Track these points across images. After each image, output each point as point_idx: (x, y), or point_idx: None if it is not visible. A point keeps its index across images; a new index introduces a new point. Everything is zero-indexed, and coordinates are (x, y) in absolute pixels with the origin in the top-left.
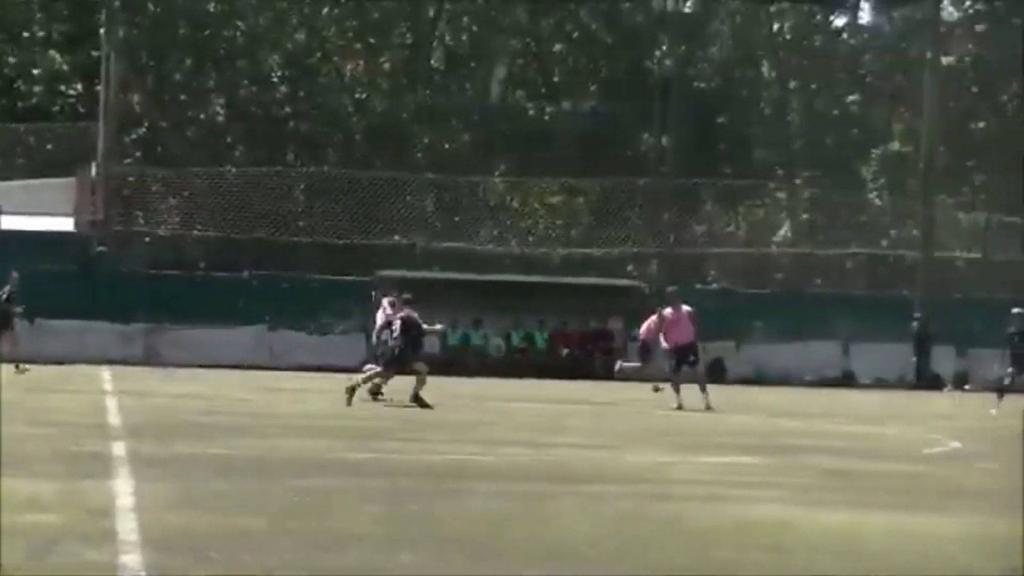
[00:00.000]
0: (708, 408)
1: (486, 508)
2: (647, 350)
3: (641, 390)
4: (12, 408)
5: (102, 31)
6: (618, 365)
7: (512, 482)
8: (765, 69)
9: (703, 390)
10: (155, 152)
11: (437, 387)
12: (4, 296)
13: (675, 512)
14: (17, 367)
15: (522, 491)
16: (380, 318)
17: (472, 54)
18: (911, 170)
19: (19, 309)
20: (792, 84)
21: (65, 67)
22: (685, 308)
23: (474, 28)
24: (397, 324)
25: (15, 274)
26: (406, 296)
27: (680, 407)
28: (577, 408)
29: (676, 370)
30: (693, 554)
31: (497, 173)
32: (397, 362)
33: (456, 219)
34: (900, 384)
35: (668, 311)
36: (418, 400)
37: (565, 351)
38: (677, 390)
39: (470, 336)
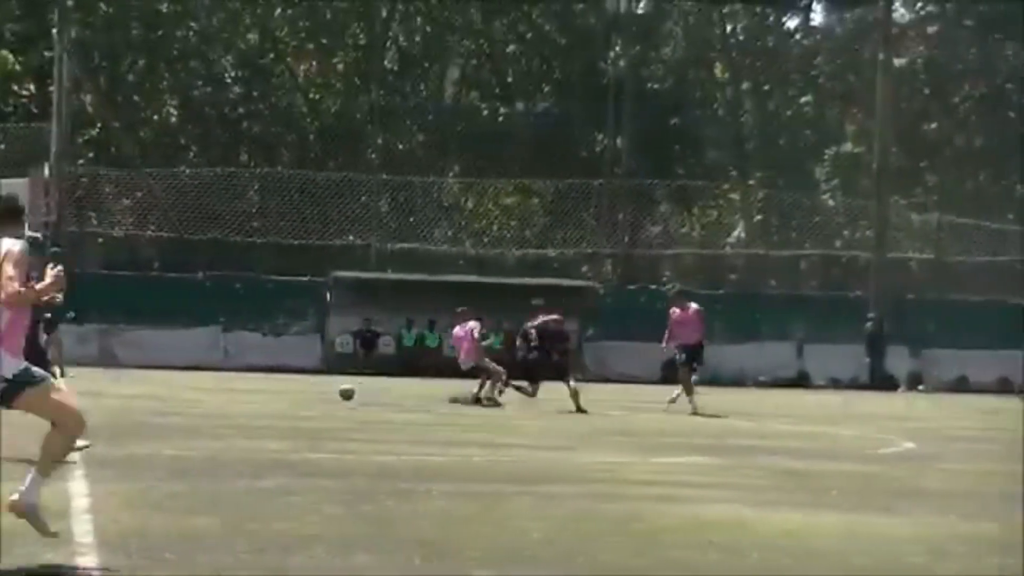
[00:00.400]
0: (695, 413)
1: (441, 509)
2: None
3: (595, 391)
4: None
5: (55, 31)
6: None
7: (467, 483)
8: (718, 70)
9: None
10: (108, 153)
11: (393, 389)
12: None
13: (629, 512)
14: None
15: (477, 492)
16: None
17: (425, 55)
18: (864, 171)
19: (71, 315)
20: (745, 85)
21: (18, 67)
22: (693, 307)
23: (427, 29)
24: (533, 333)
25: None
26: (537, 302)
27: (696, 412)
28: (531, 409)
29: (684, 371)
30: (647, 554)
31: (451, 174)
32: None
33: (410, 220)
34: (854, 385)
35: (675, 311)
36: (481, 400)
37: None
38: (689, 392)
39: (425, 337)
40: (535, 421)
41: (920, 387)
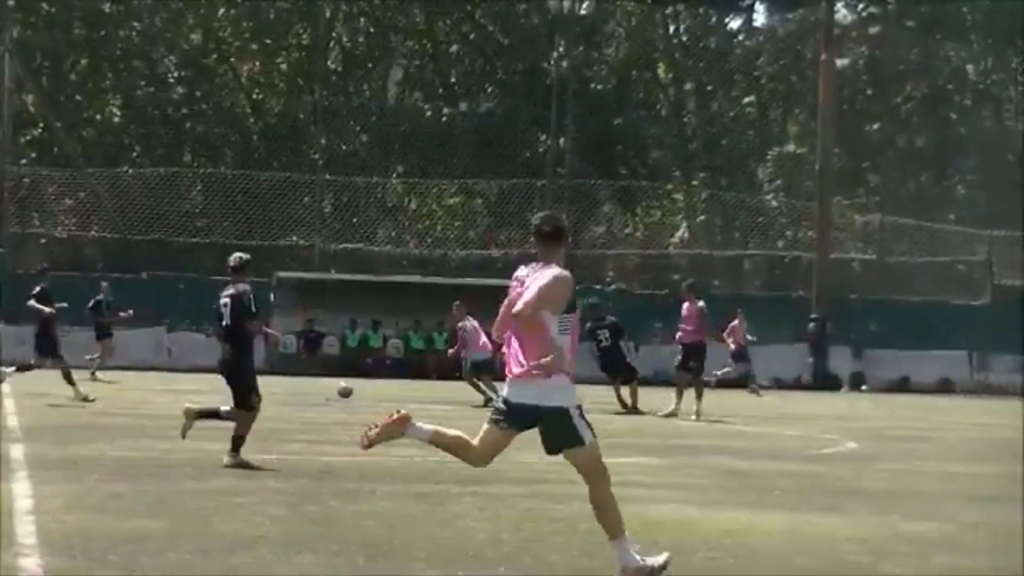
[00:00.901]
0: (697, 416)
1: (386, 509)
2: (740, 356)
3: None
4: None
5: None
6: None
7: (412, 483)
8: (661, 71)
9: (699, 397)
10: (51, 153)
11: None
12: (99, 304)
13: (576, 512)
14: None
15: (422, 492)
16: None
17: (369, 55)
18: (807, 171)
19: (126, 313)
20: (688, 86)
21: None
22: (700, 303)
23: (371, 29)
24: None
25: (105, 283)
26: (592, 302)
27: (674, 414)
28: (476, 410)
29: (679, 373)
30: (595, 554)
31: (395, 174)
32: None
33: (354, 220)
34: (797, 385)
35: (685, 305)
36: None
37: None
38: (680, 394)
39: (369, 337)
40: (480, 421)
41: (863, 387)
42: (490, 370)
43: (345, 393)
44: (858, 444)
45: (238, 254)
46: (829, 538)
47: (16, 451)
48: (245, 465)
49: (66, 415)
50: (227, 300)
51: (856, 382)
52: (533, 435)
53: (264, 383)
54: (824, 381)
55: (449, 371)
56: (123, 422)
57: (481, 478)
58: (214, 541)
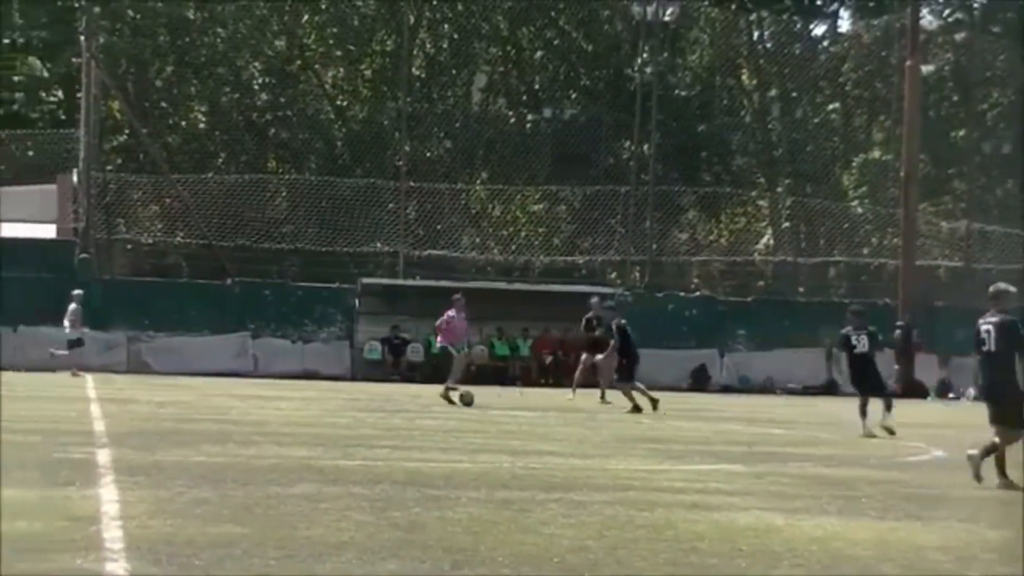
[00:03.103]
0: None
1: (470, 515)
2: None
3: (622, 398)
4: None
5: (82, 38)
6: None
7: (496, 489)
8: (745, 77)
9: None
10: (137, 159)
11: (422, 395)
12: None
13: (660, 520)
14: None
15: (506, 498)
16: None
17: (452, 61)
18: (892, 178)
19: None
20: (772, 92)
21: (46, 74)
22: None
23: (454, 35)
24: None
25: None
26: (856, 308)
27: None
28: (561, 416)
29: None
30: (678, 562)
31: (479, 181)
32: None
33: (438, 226)
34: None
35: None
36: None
37: (548, 358)
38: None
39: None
40: (565, 428)
41: (950, 395)
42: None
43: (467, 400)
44: (944, 452)
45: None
46: (915, 546)
47: (102, 456)
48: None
49: (150, 421)
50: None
51: (943, 390)
52: (621, 442)
53: (348, 389)
54: (910, 389)
55: (531, 377)
56: (208, 428)
57: (566, 485)
58: (298, 547)
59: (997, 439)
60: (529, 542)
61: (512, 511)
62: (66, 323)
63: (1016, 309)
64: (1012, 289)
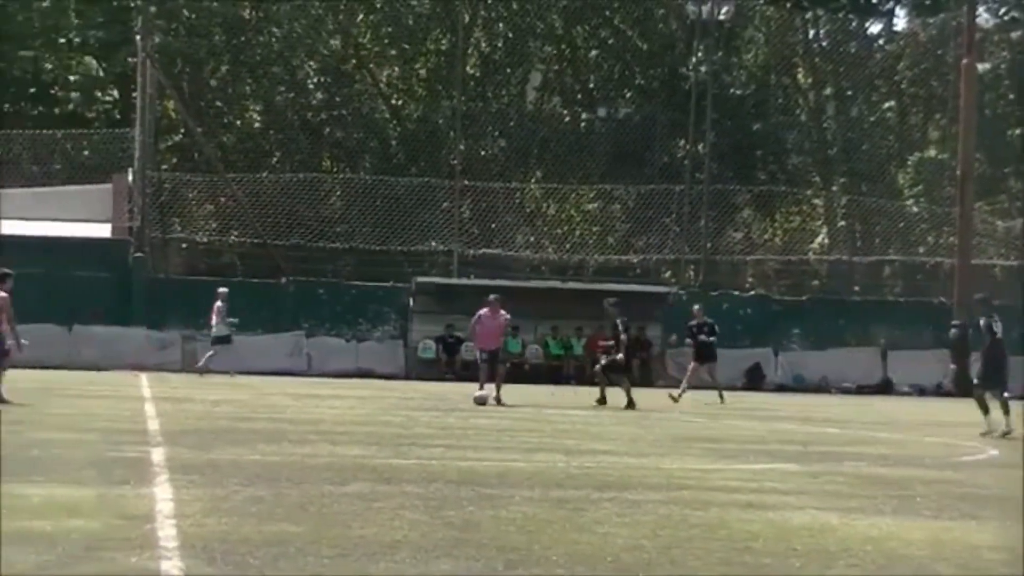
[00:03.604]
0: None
1: (525, 514)
2: None
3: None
4: (45, 415)
5: (138, 38)
6: None
7: (550, 488)
8: (800, 76)
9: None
10: (191, 158)
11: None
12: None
13: (714, 519)
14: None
15: (561, 497)
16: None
17: (507, 60)
18: (948, 177)
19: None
20: (828, 91)
21: (101, 73)
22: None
23: (509, 34)
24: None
25: (697, 307)
26: (981, 296)
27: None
28: (615, 415)
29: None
30: (732, 561)
31: (533, 180)
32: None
33: (492, 225)
34: (938, 392)
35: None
36: None
37: (603, 358)
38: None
39: (507, 343)
40: (619, 427)
41: (1005, 394)
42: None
43: (480, 401)
44: (1000, 452)
45: None
46: (971, 546)
47: (157, 455)
48: None
49: (204, 419)
50: None
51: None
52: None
53: (402, 388)
54: (965, 388)
55: (585, 376)
56: (262, 427)
57: (621, 484)
58: (353, 546)
59: None
60: (583, 541)
61: (566, 510)
62: (214, 320)
63: None
64: None
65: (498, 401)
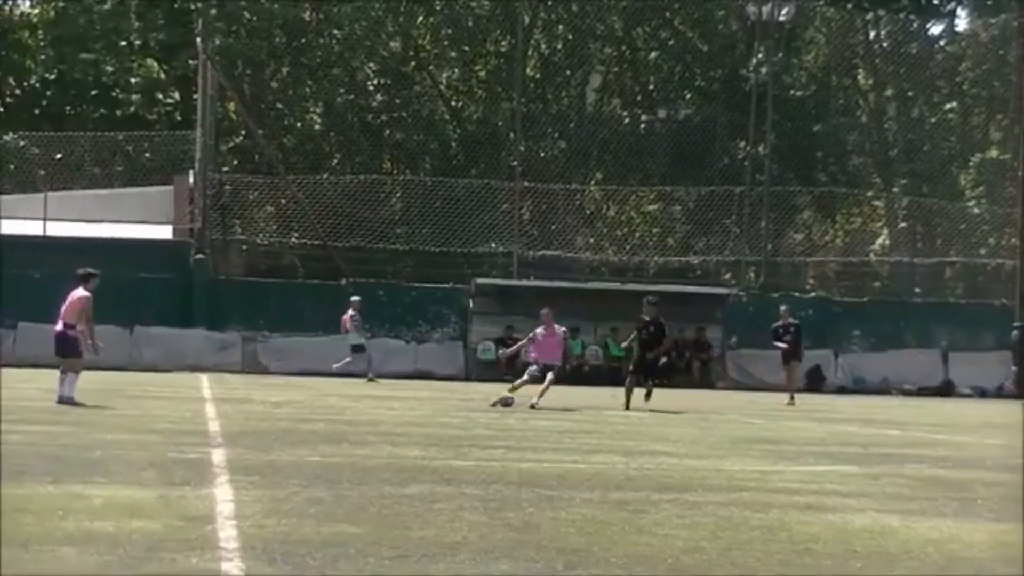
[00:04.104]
0: None
1: (584, 516)
2: None
3: (739, 398)
4: (107, 416)
5: (198, 40)
6: None
7: (610, 490)
8: (861, 77)
9: None
10: (252, 160)
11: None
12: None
13: (774, 521)
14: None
15: (620, 499)
16: None
17: (567, 62)
18: (1009, 178)
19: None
20: (888, 92)
21: (162, 75)
22: None
23: (569, 36)
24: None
25: (784, 307)
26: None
27: None
28: (675, 416)
29: None
30: (792, 563)
31: (593, 181)
32: None
33: (552, 227)
34: (1000, 394)
35: None
36: None
37: (662, 360)
38: None
39: (568, 344)
40: (679, 429)
41: None
42: None
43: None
44: None
45: None
46: None
47: (217, 456)
48: None
49: (264, 420)
50: None
51: None
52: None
53: (462, 389)
54: None
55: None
56: (322, 428)
57: (680, 485)
58: (412, 547)
59: None
60: (643, 543)
61: (626, 512)
62: (349, 328)
63: None
64: None
65: (532, 406)
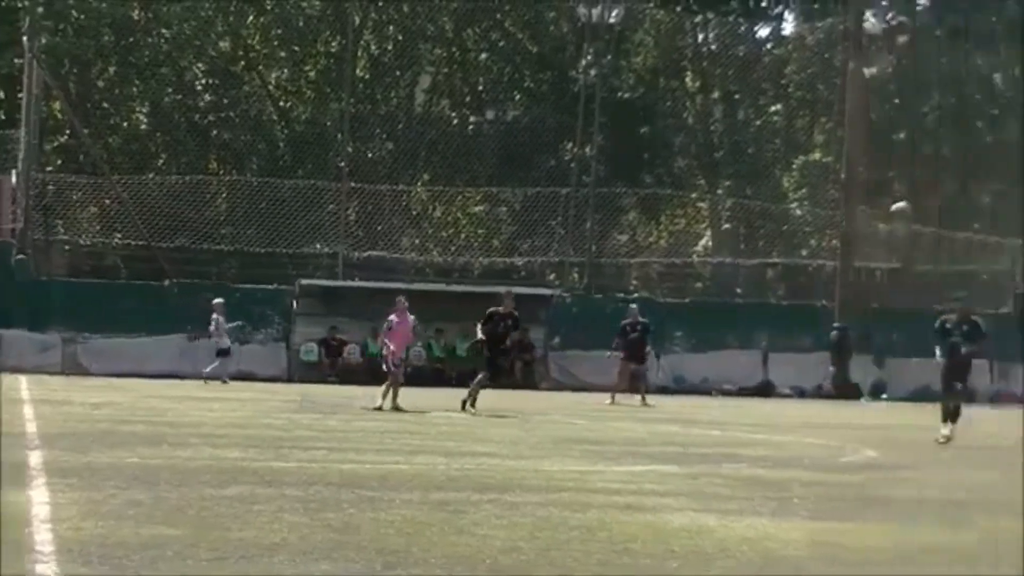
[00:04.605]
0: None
1: (404, 517)
2: None
3: (561, 399)
4: None
5: (24, 38)
6: None
7: (430, 491)
8: (689, 79)
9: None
10: (77, 160)
11: (359, 397)
12: None
13: (594, 521)
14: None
15: (441, 500)
16: None
17: (397, 63)
18: (832, 180)
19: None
20: (715, 94)
21: None
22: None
23: (399, 37)
24: None
25: (633, 306)
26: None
27: None
28: (497, 418)
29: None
30: (611, 563)
31: (420, 182)
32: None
33: (378, 228)
34: (818, 394)
35: None
36: None
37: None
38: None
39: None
40: (501, 429)
41: (883, 396)
42: None
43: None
44: (878, 452)
45: None
46: (848, 547)
47: (34, 458)
48: None
49: (84, 422)
50: None
51: (877, 391)
52: (556, 443)
53: (284, 391)
54: (845, 390)
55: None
56: (142, 429)
57: (500, 486)
58: (231, 548)
59: None
60: (462, 543)
61: (446, 512)
62: (213, 330)
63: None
64: None
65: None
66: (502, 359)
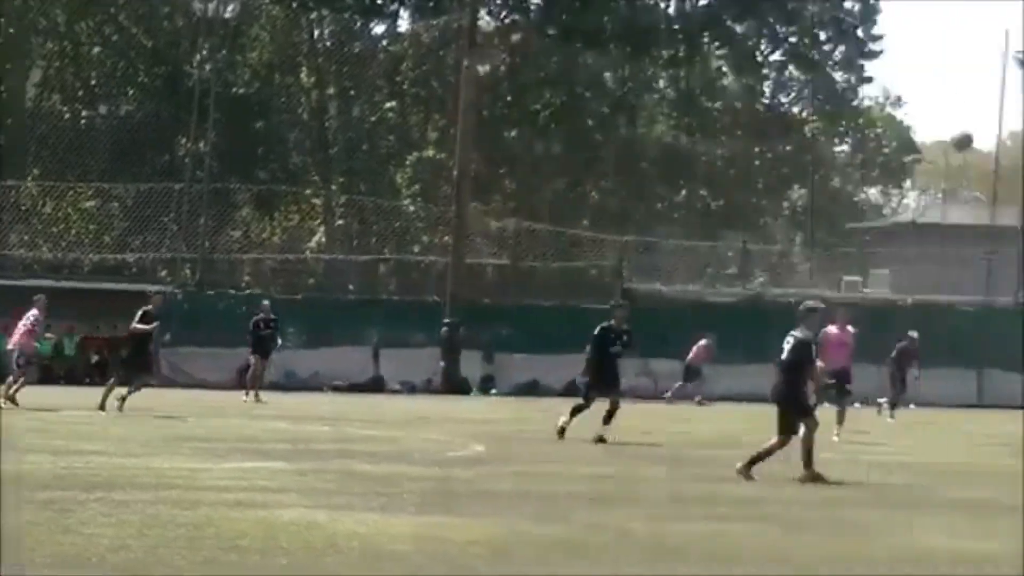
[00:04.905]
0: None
1: (8, 517)
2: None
3: (173, 396)
4: None
5: None
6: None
7: (37, 490)
8: (304, 75)
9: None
10: None
11: None
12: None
13: (202, 518)
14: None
15: (47, 499)
16: None
17: (7, 56)
18: (445, 177)
19: None
20: (331, 90)
21: None
22: (850, 329)
23: (10, 30)
24: None
25: (266, 302)
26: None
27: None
28: (106, 415)
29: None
30: (218, 560)
31: (30, 178)
32: None
33: None
34: (428, 389)
35: (832, 329)
36: None
37: (95, 357)
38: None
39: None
40: (113, 428)
41: (492, 391)
42: None
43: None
44: (485, 447)
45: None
46: (453, 541)
47: None
48: None
49: None
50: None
51: (486, 386)
52: (166, 441)
53: None
54: (454, 385)
55: (76, 376)
56: None
57: (108, 484)
58: None
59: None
60: (68, 542)
61: (52, 511)
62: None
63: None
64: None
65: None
66: (140, 358)
